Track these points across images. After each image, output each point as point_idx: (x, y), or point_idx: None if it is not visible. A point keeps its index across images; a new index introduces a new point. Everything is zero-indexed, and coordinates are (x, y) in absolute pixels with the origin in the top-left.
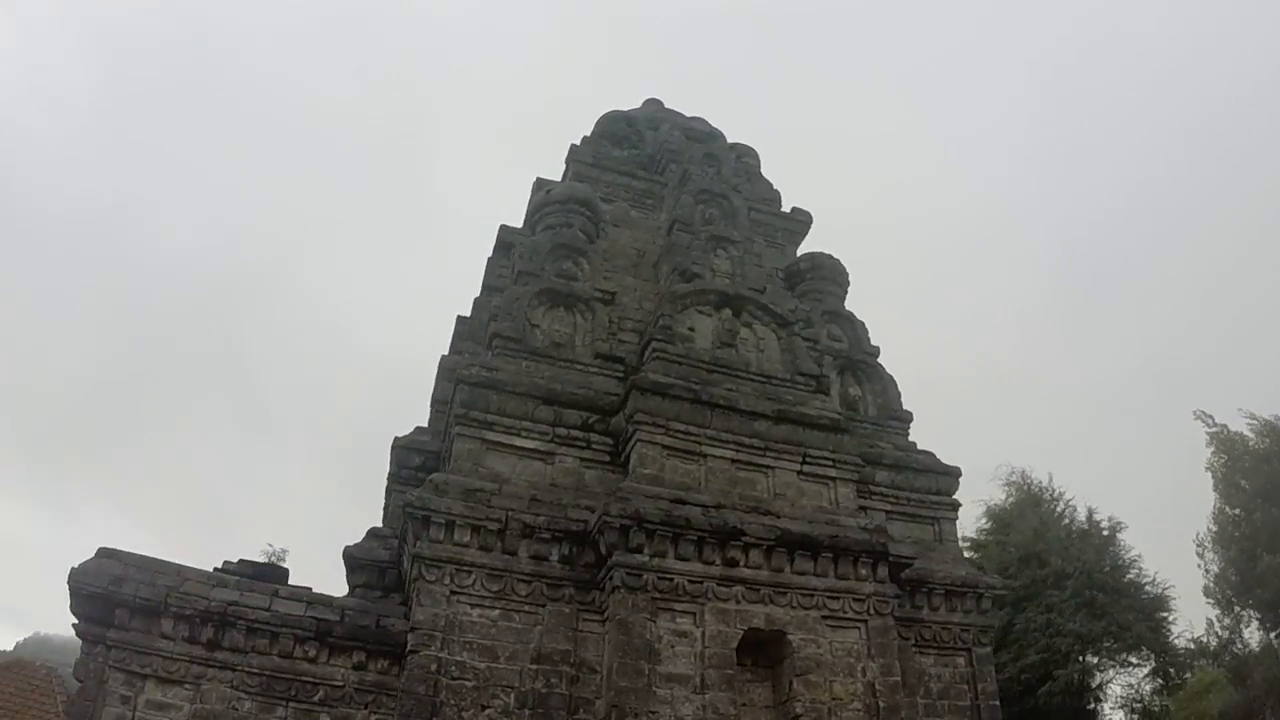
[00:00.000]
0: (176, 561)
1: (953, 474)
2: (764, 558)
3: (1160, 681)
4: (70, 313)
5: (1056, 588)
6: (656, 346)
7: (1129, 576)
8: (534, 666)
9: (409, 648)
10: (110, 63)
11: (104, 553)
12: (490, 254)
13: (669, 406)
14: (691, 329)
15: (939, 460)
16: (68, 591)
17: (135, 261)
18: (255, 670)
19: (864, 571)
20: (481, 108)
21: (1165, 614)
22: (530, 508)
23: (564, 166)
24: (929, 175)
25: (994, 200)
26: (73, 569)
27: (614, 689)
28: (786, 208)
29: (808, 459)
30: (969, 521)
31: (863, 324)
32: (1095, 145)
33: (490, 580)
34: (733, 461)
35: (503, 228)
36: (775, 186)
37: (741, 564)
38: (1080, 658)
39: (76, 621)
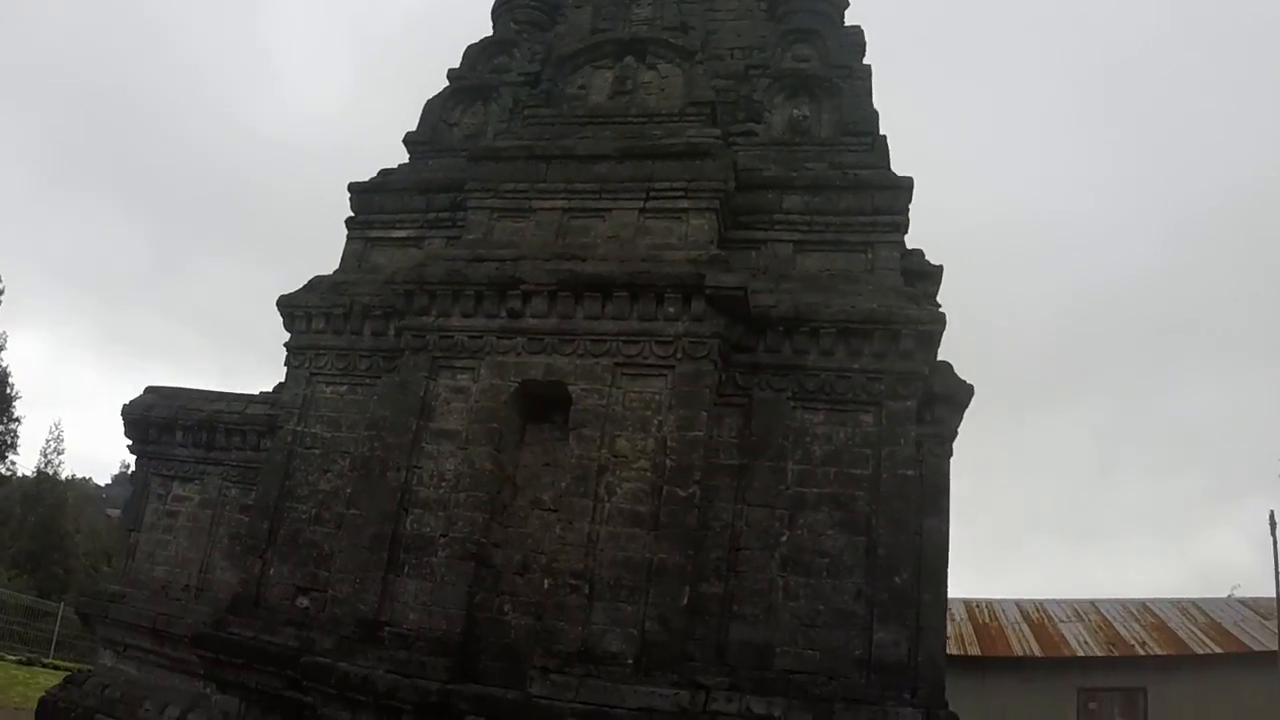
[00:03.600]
0: None
1: (896, 187)
2: (548, 305)
3: None
4: None
5: None
6: (529, 112)
7: None
8: (367, 433)
9: (276, 425)
10: None
11: (148, 389)
12: None
13: (501, 169)
14: (583, 87)
15: (884, 174)
16: (121, 421)
17: None
18: (235, 463)
19: (672, 310)
20: None
21: None
22: (380, 290)
23: None
24: None
25: None
26: (124, 404)
27: (383, 445)
28: None
29: (653, 194)
30: None
31: (843, 36)
32: None
33: (339, 359)
34: (564, 211)
35: None
36: None
37: (526, 315)
38: None
39: (129, 442)
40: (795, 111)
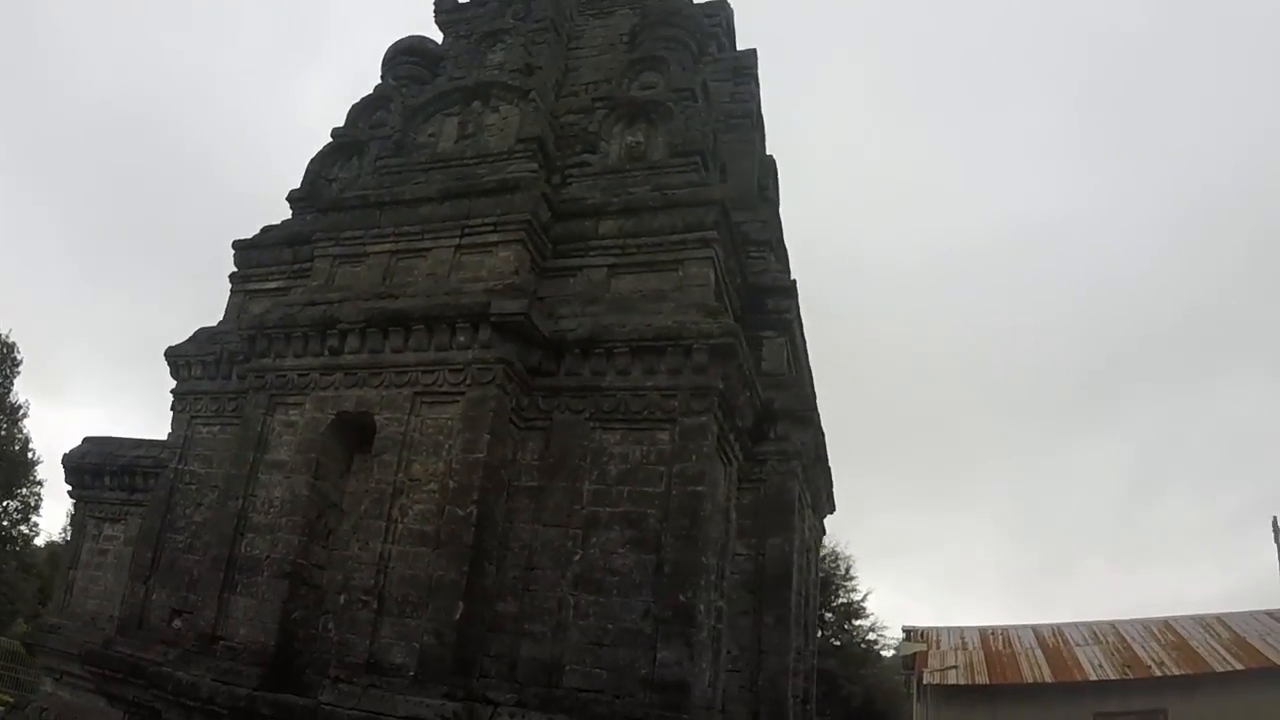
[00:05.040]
0: None
1: (706, 203)
2: (360, 342)
3: None
4: None
5: None
6: (379, 163)
7: None
8: (231, 469)
9: (161, 465)
10: None
11: (85, 439)
12: None
13: (342, 218)
14: (433, 134)
15: (695, 191)
16: (62, 468)
17: None
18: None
19: (463, 339)
20: None
21: None
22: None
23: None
24: None
25: None
26: (64, 453)
27: (225, 476)
28: None
29: (467, 230)
30: None
31: (685, 58)
32: None
33: (211, 402)
34: (392, 253)
35: None
36: None
37: (344, 352)
38: None
39: (69, 487)
40: (630, 138)
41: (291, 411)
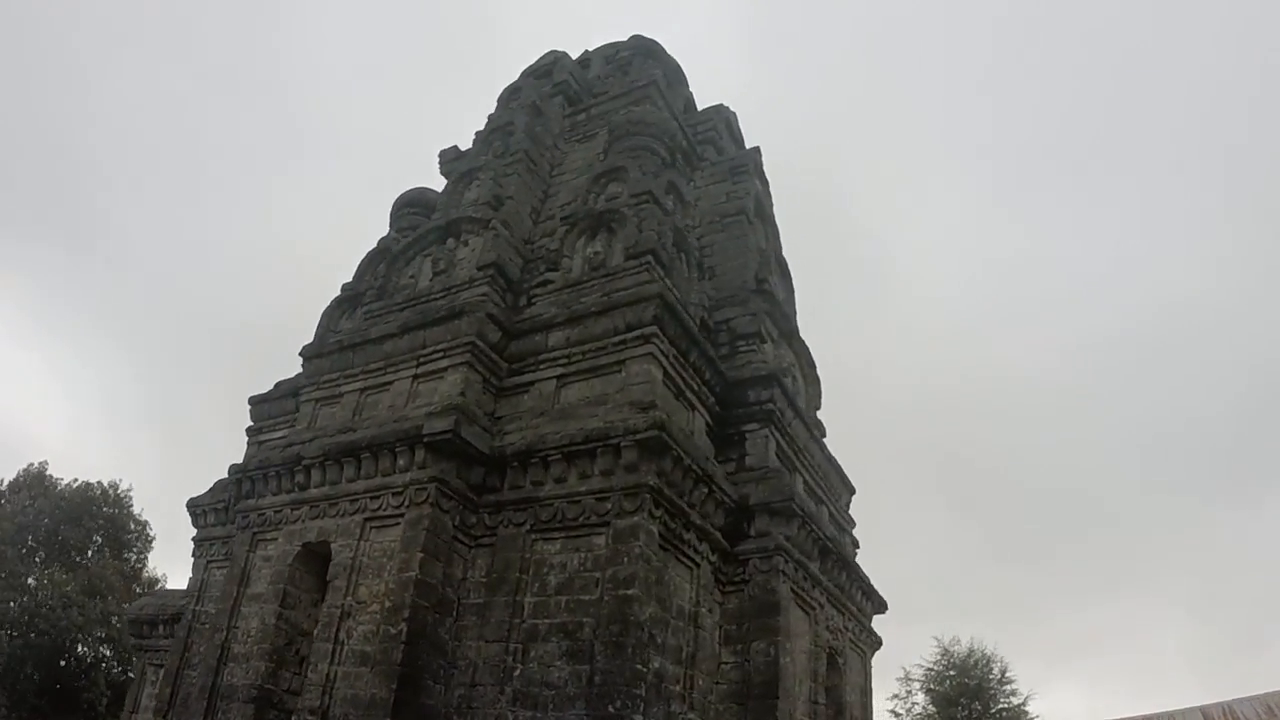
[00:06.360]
0: None
1: (643, 300)
2: (322, 475)
3: None
4: None
5: None
6: (364, 308)
7: None
8: (220, 604)
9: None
10: None
11: (147, 594)
12: None
13: (324, 363)
14: (413, 275)
15: (634, 290)
16: (126, 620)
17: None
18: None
19: (401, 462)
20: None
21: None
22: None
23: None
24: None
25: None
26: (126, 607)
27: (214, 610)
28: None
29: (421, 360)
30: None
31: (650, 164)
32: None
33: (222, 546)
34: (361, 391)
35: None
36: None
37: (310, 486)
38: None
39: (133, 639)
40: (591, 250)
41: (269, 546)
